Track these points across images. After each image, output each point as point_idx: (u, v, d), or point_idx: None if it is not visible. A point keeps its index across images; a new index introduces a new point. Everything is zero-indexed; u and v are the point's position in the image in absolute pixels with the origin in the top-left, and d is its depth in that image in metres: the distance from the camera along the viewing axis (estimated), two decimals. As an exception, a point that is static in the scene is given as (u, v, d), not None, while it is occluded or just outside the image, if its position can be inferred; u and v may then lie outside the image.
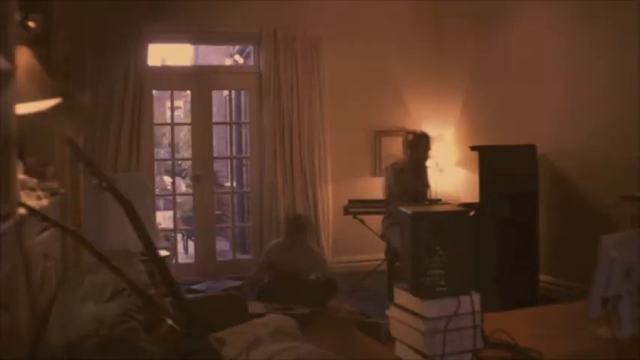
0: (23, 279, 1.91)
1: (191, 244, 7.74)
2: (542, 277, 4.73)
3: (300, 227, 5.10)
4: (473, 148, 4.86)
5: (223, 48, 8.21)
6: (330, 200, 6.12)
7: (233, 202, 6.92)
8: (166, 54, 6.98)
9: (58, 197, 2.80)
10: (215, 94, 6.56)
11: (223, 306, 3.53)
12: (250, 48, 6.58)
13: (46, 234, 2.41)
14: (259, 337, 3.62)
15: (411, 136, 5.41)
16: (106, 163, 5.42)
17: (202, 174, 6.09)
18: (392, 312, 2.06)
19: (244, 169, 7.66)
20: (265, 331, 3.79)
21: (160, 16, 5.66)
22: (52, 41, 3.39)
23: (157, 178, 8.76)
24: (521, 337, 2.29)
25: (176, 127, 6.48)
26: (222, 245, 8.09)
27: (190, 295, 3.53)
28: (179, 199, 7.53)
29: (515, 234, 4.55)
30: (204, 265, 6.08)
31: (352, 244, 6.20)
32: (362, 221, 5.62)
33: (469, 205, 4.73)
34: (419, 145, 5.02)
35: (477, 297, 1.92)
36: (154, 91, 6.02)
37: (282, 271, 4.96)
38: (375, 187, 6.37)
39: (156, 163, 6.63)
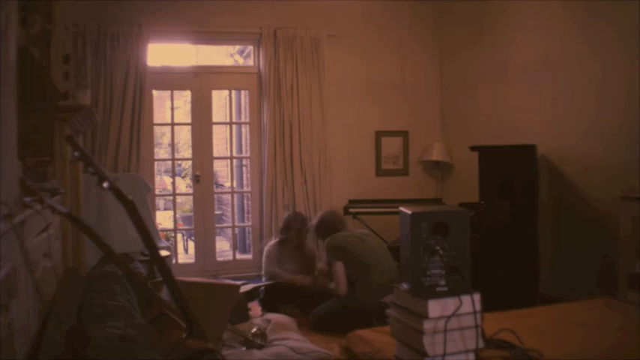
0: (23, 279, 1.91)
1: (191, 244, 7.74)
2: (542, 277, 4.73)
3: (287, 227, 5.11)
4: (473, 148, 4.86)
5: (223, 48, 8.21)
6: (330, 200, 6.12)
7: (233, 202, 6.93)
8: (166, 54, 6.97)
9: (58, 197, 2.80)
10: (215, 94, 6.56)
11: (219, 294, 3.49)
12: (250, 48, 6.58)
13: (45, 234, 2.40)
14: (259, 326, 3.64)
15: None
16: (106, 163, 5.42)
17: (202, 174, 6.09)
18: (392, 312, 2.06)
19: (244, 169, 7.67)
20: (265, 325, 3.82)
21: (160, 16, 5.67)
22: (52, 41, 3.39)
23: (157, 178, 8.76)
24: (521, 337, 2.29)
25: (176, 127, 6.48)
26: (222, 245, 8.09)
27: (184, 279, 3.42)
28: (179, 199, 7.53)
29: (515, 233, 4.55)
30: (204, 265, 6.09)
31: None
32: (362, 221, 5.63)
33: (469, 205, 4.74)
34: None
35: (477, 297, 1.92)
36: (153, 91, 6.01)
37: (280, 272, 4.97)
38: (375, 187, 6.38)
39: (156, 163, 6.62)
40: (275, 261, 5.04)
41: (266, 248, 5.21)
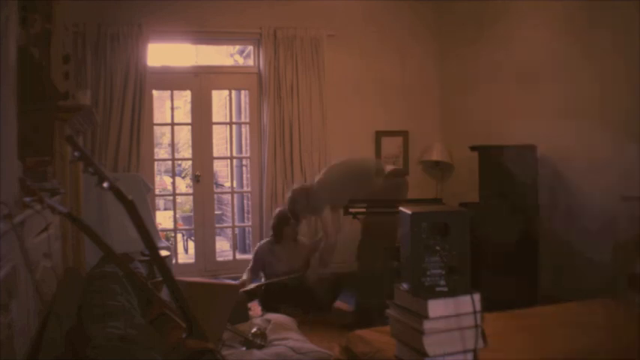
0: (23, 279, 1.91)
1: (191, 244, 7.74)
2: (543, 277, 4.73)
3: (282, 223, 5.10)
4: (473, 148, 4.86)
5: (223, 48, 8.21)
6: (330, 200, 6.11)
7: (233, 202, 6.93)
8: (166, 54, 6.97)
9: (58, 197, 2.80)
10: (215, 94, 6.55)
11: (219, 294, 3.49)
12: (250, 48, 6.58)
13: (45, 234, 2.40)
14: (259, 326, 3.64)
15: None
16: (106, 163, 5.42)
17: (202, 174, 6.09)
18: (392, 312, 2.06)
19: (244, 169, 7.67)
20: (265, 325, 3.82)
21: (160, 16, 5.66)
22: (52, 41, 3.39)
23: (157, 178, 8.76)
24: (521, 337, 2.30)
25: (176, 127, 6.48)
26: (222, 245, 8.09)
27: (184, 279, 3.43)
28: (179, 199, 7.53)
29: (515, 233, 4.55)
30: (204, 265, 6.08)
31: (352, 245, 6.20)
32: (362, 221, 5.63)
33: (469, 205, 4.74)
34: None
35: (477, 297, 1.92)
36: (153, 91, 6.01)
37: (273, 271, 4.97)
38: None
39: (156, 163, 6.62)
40: (260, 267, 5.06)
41: (256, 249, 5.19)
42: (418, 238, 1.90)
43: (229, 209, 7.50)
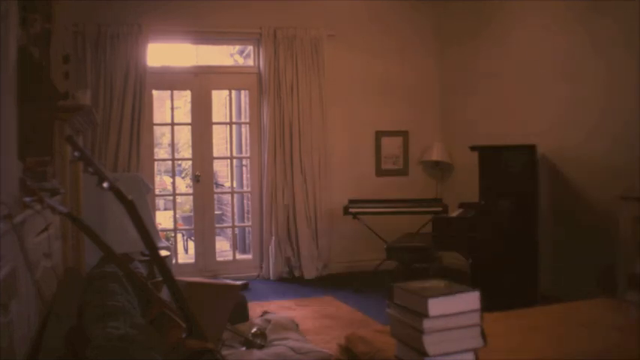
0: (23, 279, 1.91)
1: (191, 244, 7.74)
2: (543, 276, 4.72)
3: None
4: (473, 148, 4.86)
5: (223, 48, 8.20)
6: (330, 200, 6.12)
7: (233, 202, 6.93)
8: (166, 54, 6.96)
9: (58, 197, 2.80)
10: (215, 94, 6.56)
11: (219, 294, 3.48)
12: (250, 48, 6.58)
13: (45, 234, 2.40)
14: (259, 326, 3.64)
15: None
16: (106, 163, 5.42)
17: (202, 174, 6.09)
18: (392, 311, 2.06)
19: (244, 169, 7.66)
20: (265, 325, 3.82)
21: (160, 15, 5.67)
22: (52, 41, 3.39)
23: (157, 178, 8.75)
24: (521, 337, 2.29)
25: (176, 127, 6.48)
26: (222, 245, 8.08)
27: (184, 279, 3.40)
28: (179, 199, 7.52)
29: (515, 233, 4.55)
30: (204, 265, 6.08)
31: (352, 244, 6.21)
32: (362, 221, 5.63)
33: (469, 205, 4.74)
34: None
35: (476, 295, 1.92)
36: (153, 91, 6.01)
37: None
38: (375, 187, 6.38)
39: (156, 163, 6.62)
40: None
41: None
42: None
43: (229, 209, 7.50)
